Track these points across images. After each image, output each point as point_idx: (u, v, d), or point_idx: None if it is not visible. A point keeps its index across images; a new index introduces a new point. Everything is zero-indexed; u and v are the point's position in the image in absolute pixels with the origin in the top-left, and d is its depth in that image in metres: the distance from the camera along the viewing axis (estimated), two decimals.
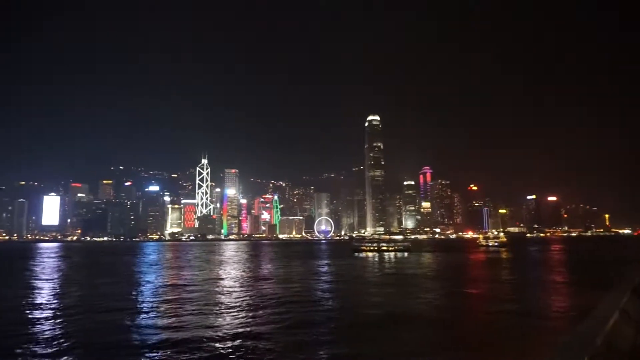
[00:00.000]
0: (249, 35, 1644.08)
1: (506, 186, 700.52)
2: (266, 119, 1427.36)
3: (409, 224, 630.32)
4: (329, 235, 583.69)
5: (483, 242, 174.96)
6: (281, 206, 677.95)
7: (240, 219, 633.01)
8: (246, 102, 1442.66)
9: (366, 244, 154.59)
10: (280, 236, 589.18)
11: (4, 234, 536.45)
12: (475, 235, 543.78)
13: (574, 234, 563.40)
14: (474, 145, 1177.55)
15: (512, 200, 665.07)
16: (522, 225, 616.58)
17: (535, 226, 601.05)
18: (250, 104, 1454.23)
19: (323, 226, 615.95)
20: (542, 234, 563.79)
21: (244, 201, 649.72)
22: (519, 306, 35.88)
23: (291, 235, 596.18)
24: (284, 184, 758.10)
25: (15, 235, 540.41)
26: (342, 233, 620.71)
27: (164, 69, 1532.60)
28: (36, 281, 57.81)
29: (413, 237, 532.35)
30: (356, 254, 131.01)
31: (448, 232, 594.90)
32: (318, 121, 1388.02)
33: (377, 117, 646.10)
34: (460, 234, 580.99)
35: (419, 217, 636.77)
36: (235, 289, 47.81)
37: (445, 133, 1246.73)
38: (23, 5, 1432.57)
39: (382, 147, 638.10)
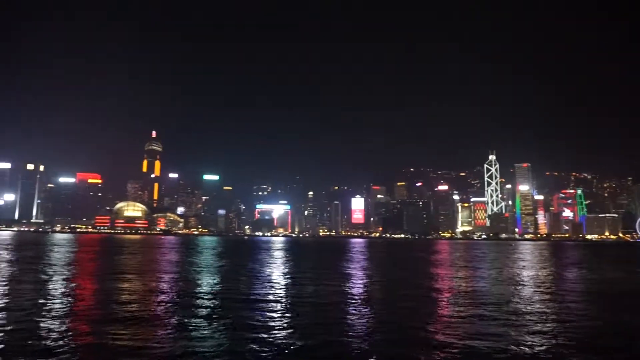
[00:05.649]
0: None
1: None
2: (560, 104, 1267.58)
3: None
4: None
5: None
6: (587, 202, 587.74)
7: (536, 216, 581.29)
8: (529, 89, 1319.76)
9: None
10: (588, 236, 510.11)
11: (326, 230, 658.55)
12: None
13: None
14: None
15: None
16: None
17: None
18: (534, 91, 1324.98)
19: None
20: None
21: (539, 197, 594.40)
22: None
23: (603, 236, 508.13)
24: (589, 176, 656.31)
25: (333, 231, 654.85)
26: None
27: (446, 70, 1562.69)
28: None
29: None
30: None
31: None
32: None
33: None
34: None
35: None
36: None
37: None
38: None
39: None
